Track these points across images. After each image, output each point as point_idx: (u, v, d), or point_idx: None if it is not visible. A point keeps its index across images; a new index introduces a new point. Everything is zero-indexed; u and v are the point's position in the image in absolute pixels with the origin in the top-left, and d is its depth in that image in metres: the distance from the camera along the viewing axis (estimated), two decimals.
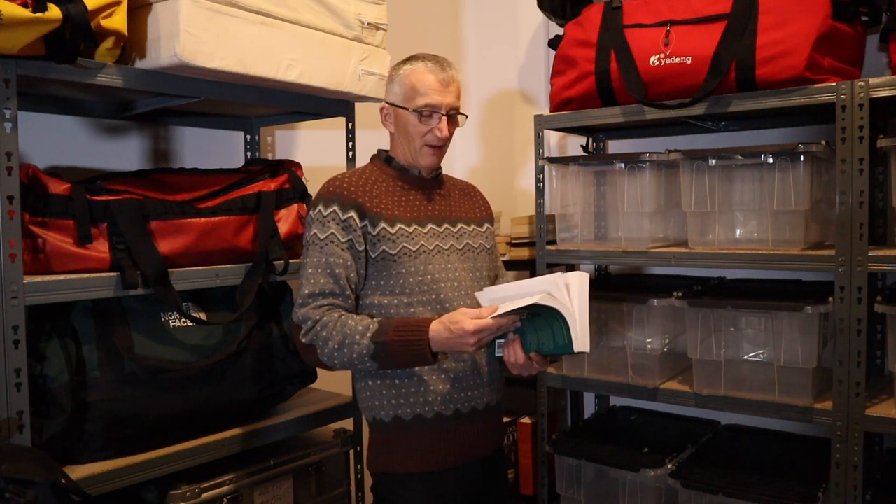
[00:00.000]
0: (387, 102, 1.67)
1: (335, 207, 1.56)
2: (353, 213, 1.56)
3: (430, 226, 1.64)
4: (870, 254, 1.75)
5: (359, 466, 2.07)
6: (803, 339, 1.89)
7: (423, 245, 1.61)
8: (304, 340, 1.51)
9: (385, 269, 1.58)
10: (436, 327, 1.46)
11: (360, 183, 1.61)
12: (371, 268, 1.58)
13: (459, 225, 1.70)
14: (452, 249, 1.66)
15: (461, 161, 3.17)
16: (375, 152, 1.76)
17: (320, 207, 1.58)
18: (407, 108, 1.61)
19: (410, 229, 1.60)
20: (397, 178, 1.67)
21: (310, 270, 1.54)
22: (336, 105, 1.95)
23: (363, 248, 1.56)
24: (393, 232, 1.58)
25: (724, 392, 2.00)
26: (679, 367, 2.24)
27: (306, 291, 1.52)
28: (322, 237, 1.54)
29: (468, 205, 1.78)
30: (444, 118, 1.62)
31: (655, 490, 2.11)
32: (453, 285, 1.62)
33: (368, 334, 1.46)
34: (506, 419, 2.56)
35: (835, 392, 1.82)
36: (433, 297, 1.58)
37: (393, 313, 1.56)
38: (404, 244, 1.58)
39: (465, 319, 1.42)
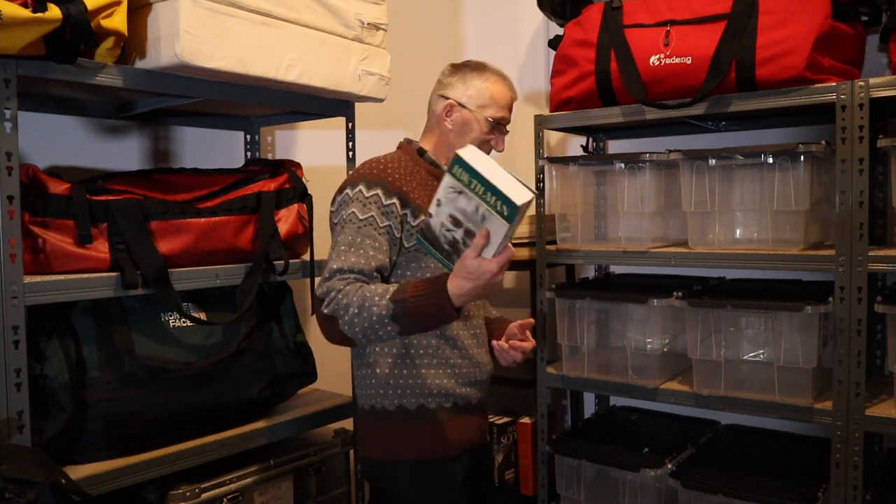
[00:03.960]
0: (458, 101, 1.69)
1: (378, 191, 1.56)
2: (395, 200, 1.57)
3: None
4: (870, 254, 1.75)
5: (359, 466, 2.06)
6: (803, 339, 1.88)
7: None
8: (325, 311, 1.46)
9: (415, 260, 1.60)
10: (454, 282, 1.38)
11: (402, 171, 1.62)
12: (402, 257, 1.59)
13: None
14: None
15: None
16: (404, 141, 1.76)
17: (361, 187, 1.56)
18: (480, 116, 1.68)
19: (418, 223, 1.60)
20: (428, 173, 1.68)
21: (342, 248, 1.51)
22: (336, 105, 1.95)
23: (399, 235, 1.57)
24: (416, 225, 1.59)
25: (724, 392, 2.00)
26: (679, 367, 2.24)
27: (334, 266, 1.49)
28: (361, 217, 1.53)
29: None
30: (505, 134, 1.73)
31: (655, 490, 2.11)
32: None
33: (388, 295, 1.42)
34: (506, 419, 2.57)
35: (835, 392, 1.82)
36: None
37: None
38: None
39: (485, 262, 1.35)
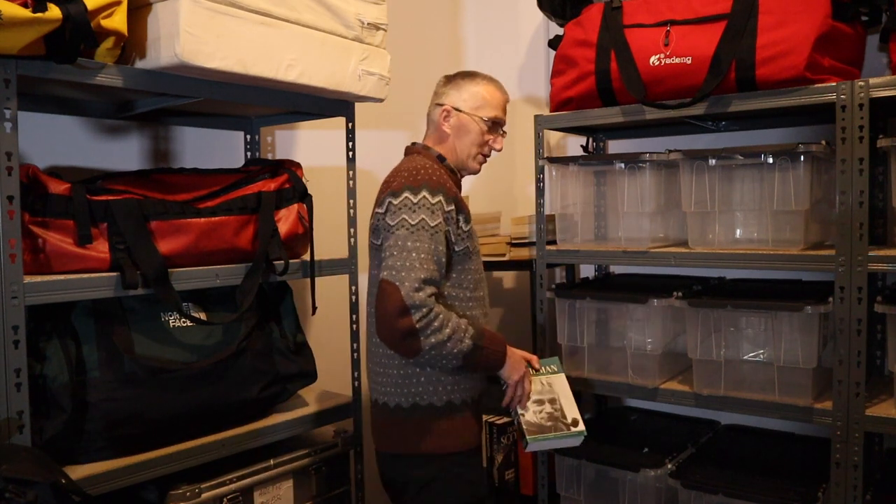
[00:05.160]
0: (452, 107, 1.78)
1: (441, 198, 1.63)
2: (452, 207, 1.66)
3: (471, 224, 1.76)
4: (870, 254, 1.76)
5: (359, 466, 2.06)
6: (803, 339, 1.89)
7: (476, 245, 1.77)
8: (417, 325, 1.53)
9: (460, 263, 1.70)
10: (510, 349, 1.72)
11: (447, 177, 1.71)
12: (452, 259, 1.69)
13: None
14: (478, 250, 1.81)
15: None
16: (420, 146, 1.82)
17: (426, 194, 1.61)
18: (476, 117, 1.76)
19: (471, 229, 1.74)
20: (453, 180, 1.76)
21: (423, 255, 1.57)
22: (336, 105, 1.95)
23: (453, 240, 1.67)
24: (466, 230, 1.70)
25: (724, 392, 2.00)
26: (679, 367, 2.24)
27: (422, 276, 1.55)
28: (432, 224, 1.60)
29: None
30: (503, 135, 1.83)
31: (655, 490, 2.11)
32: (484, 283, 1.81)
33: (468, 336, 1.60)
34: (506, 419, 2.57)
35: (835, 392, 1.82)
36: (480, 294, 1.77)
37: (457, 306, 1.69)
38: (473, 243, 1.74)
39: (522, 369, 1.74)
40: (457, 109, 1.77)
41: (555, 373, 1.81)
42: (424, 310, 1.53)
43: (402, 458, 1.70)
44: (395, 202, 1.63)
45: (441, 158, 1.78)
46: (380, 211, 1.67)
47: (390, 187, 1.67)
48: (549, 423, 1.73)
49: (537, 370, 1.80)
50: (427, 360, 1.61)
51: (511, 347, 1.72)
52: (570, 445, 1.78)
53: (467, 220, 1.70)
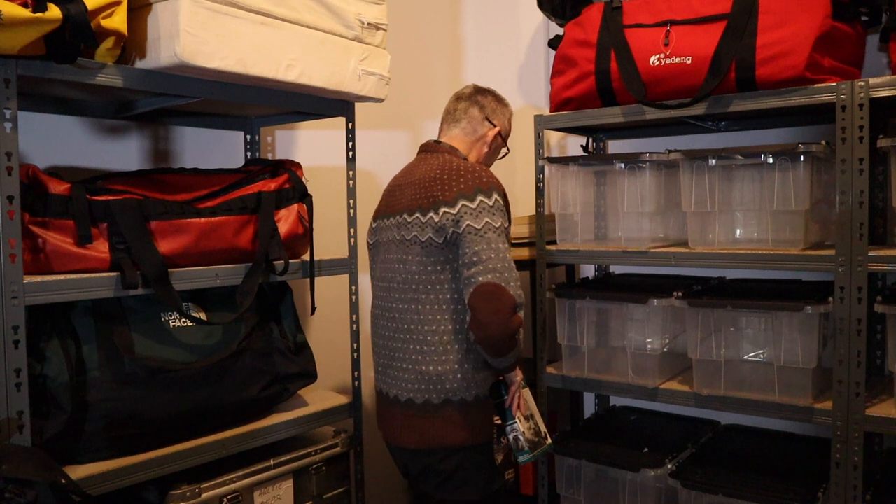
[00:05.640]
0: (500, 131, 1.96)
1: (504, 200, 1.76)
2: (507, 208, 1.78)
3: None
4: (870, 254, 1.76)
5: (359, 466, 2.06)
6: (803, 339, 1.89)
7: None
8: (521, 322, 1.67)
9: None
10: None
11: None
12: None
13: None
14: None
15: None
16: (446, 146, 1.90)
17: (497, 197, 1.72)
18: (504, 140, 1.99)
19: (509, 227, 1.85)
20: None
21: (510, 256, 1.69)
22: (336, 105, 1.95)
23: None
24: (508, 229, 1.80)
25: (724, 392, 2.00)
26: (679, 367, 2.24)
27: (516, 276, 1.67)
28: (506, 226, 1.73)
29: None
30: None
31: (655, 490, 2.11)
32: None
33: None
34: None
35: (835, 392, 1.82)
36: None
37: None
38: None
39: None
40: (499, 134, 1.95)
41: (524, 386, 1.86)
42: (522, 308, 1.67)
43: (426, 451, 1.76)
44: (472, 206, 1.68)
45: (465, 160, 1.88)
46: (450, 211, 1.69)
47: (458, 188, 1.70)
48: (536, 439, 1.84)
49: None
50: (505, 358, 1.71)
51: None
52: (542, 456, 1.96)
53: (510, 220, 1.80)
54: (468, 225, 1.66)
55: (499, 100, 1.98)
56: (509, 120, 2.00)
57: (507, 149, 2.03)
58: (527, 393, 1.87)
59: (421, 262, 1.73)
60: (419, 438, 1.75)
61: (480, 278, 1.63)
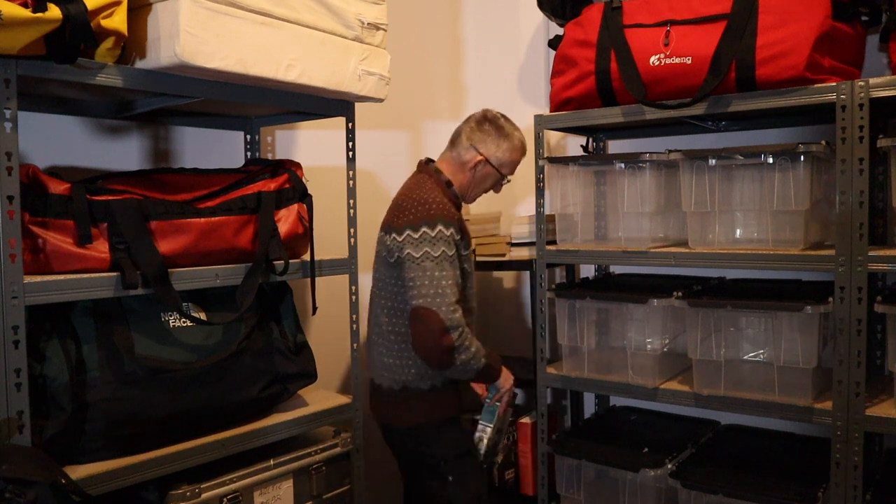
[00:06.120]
0: (486, 158, 2.03)
1: (452, 230, 1.91)
2: (459, 236, 1.94)
3: (470, 250, 2.04)
4: (870, 254, 1.76)
5: (358, 466, 2.06)
6: (803, 339, 1.89)
7: (472, 266, 2.03)
8: (455, 343, 1.84)
9: (462, 278, 1.95)
10: (504, 372, 2.05)
11: (452, 205, 1.98)
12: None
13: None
14: (473, 270, 2.07)
15: None
16: (432, 168, 2.05)
17: (441, 228, 1.88)
18: (498, 172, 2.06)
19: (470, 252, 2.01)
20: (454, 203, 2.02)
21: (450, 282, 1.87)
22: (336, 105, 1.95)
23: (459, 261, 1.95)
24: (465, 254, 1.98)
25: (724, 392, 2.00)
26: (679, 367, 2.24)
27: (453, 300, 1.85)
28: (450, 254, 1.89)
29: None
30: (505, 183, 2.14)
31: (655, 490, 2.11)
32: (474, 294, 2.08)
33: (482, 356, 1.92)
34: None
35: (835, 392, 1.82)
36: (472, 304, 2.04)
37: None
38: (470, 264, 2.02)
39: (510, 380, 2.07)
40: (488, 162, 2.03)
41: (513, 403, 2.12)
42: (461, 329, 1.84)
43: (395, 428, 2.02)
44: (415, 236, 1.89)
45: (448, 184, 2.03)
46: (398, 238, 1.91)
47: (407, 219, 1.91)
48: (493, 452, 2.07)
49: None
50: (452, 371, 1.91)
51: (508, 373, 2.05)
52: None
53: (468, 246, 1.98)
54: (408, 253, 1.88)
55: (499, 129, 2.04)
56: (508, 151, 2.04)
57: (506, 179, 2.09)
58: (509, 411, 2.10)
59: (386, 273, 1.97)
60: (389, 415, 2.01)
61: (413, 302, 1.86)
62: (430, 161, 2.09)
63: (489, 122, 2.05)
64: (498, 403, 2.04)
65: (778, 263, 1.90)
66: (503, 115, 2.10)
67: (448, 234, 1.88)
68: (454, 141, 2.08)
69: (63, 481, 1.22)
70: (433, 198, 1.93)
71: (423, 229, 1.88)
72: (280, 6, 1.64)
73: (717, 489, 1.94)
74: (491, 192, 2.15)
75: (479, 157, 2.03)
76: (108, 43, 1.42)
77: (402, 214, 1.93)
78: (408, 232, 1.89)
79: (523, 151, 2.11)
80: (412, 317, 1.87)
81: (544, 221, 2.31)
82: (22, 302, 1.34)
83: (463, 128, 2.08)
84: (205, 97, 1.64)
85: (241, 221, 1.72)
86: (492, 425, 2.03)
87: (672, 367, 2.22)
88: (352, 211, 2.03)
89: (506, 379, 2.04)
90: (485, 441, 2.02)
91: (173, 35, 1.44)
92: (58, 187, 1.46)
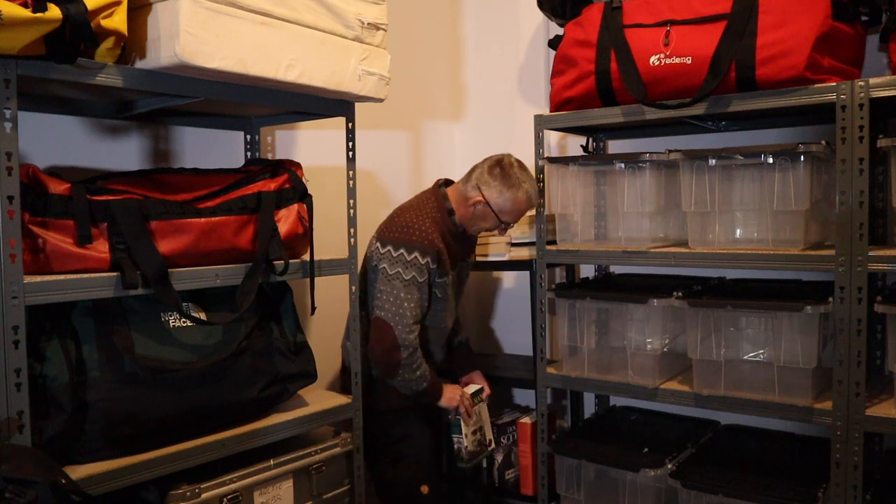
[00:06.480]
0: (486, 201, 2.12)
1: (428, 259, 2.06)
2: (436, 265, 2.09)
3: (451, 275, 2.18)
4: (870, 254, 1.76)
5: (358, 465, 2.06)
6: (803, 339, 1.89)
7: (446, 293, 2.17)
8: (403, 360, 2.03)
9: (434, 302, 2.15)
10: (445, 386, 2.20)
11: (439, 235, 2.11)
12: (431, 300, 2.15)
13: (458, 267, 2.26)
14: (454, 290, 2.25)
15: (462, 162, 3.17)
16: (441, 193, 2.18)
17: (417, 255, 2.05)
18: (497, 217, 2.14)
19: (446, 280, 2.15)
20: (451, 231, 2.16)
21: (413, 304, 2.05)
22: (336, 105, 1.95)
23: (429, 286, 2.11)
24: (441, 282, 2.13)
25: (724, 392, 2.00)
26: (679, 367, 2.24)
27: (411, 322, 2.04)
28: (420, 280, 2.06)
29: (465, 248, 2.30)
30: (507, 228, 2.23)
31: (655, 490, 2.11)
32: (451, 312, 2.27)
33: (425, 381, 2.10)
34: (506, 419, 2.60)
35: (835, 392, 1.82)
36: (443, 325, 2.24)
37: (430, 337, 2.23)
38: (446, 291, 2.16)
39: (457, 396, 2.22)
40: (488, 204, 2.11)
41: (482, 401, 2.32)
42: (411, 349, 2.04)
43: (383, 411, 2.21)
44: (393, 254, 2.06)
45: (451, 212, 2.16)
46: (380, 250, 2.08)
47: (391, 236, 2.08)
48: (478, 449, 2.29)
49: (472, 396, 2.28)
50: (392, 382, 2.09)
51: (446, 385, 2.20)
52: (482, 460, 2.41)
53: (444, 275, 2.12)
54: (383, 267, 2.06)
55: (506, 177, 2.11)
56: (511, 201, 2.11)
57: (503, 225, 2.17)
58: (482, 408, 2.32)
59: (369, 270, 2.15)
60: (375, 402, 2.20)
61: (376, 312, 2.05)
62: (446, 183, 2.23)
63: (500, 169, 2.12)
64: (458, 416, 2.22)
65: (778, 263, 1.90)
66: (520, 164, 2.16)
67: (423, 262, 2.05)
68: (468, 175, 2.18)
69: (63, 481, 1.22)
70: (420, 225, 2.08)
71: (401, 251, 2.05)
72: (280, 6, 1.64)
73: (717, 489, 1.94)
74: None
75: (480, 199, 2.12)
76: (108, 43, 1.42)
77: (391, 228, 2.10)
78: (389, 248, 2.07)
79: (529, 204, 2.16)
80: (372, 324, 2.07)
81: (544, 221, 2.30)
82: (22, 302, 1.34)
83: (479, 165, 2.17)
84: (205, 97, 1.64)
85: (241, 221, 1.72)
86: (461, 434, 2.22)
87: (672, 367, 2.22)
88: (352, 211, 2.03)
89: (449, 399, 2.19)
90: (463, 450, 2.23)
91: (173, 35, 1.44)
92: (58, 187, 1.46)
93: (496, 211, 2.13)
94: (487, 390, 2.37)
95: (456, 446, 2.23)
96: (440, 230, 2.12)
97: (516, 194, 2.11)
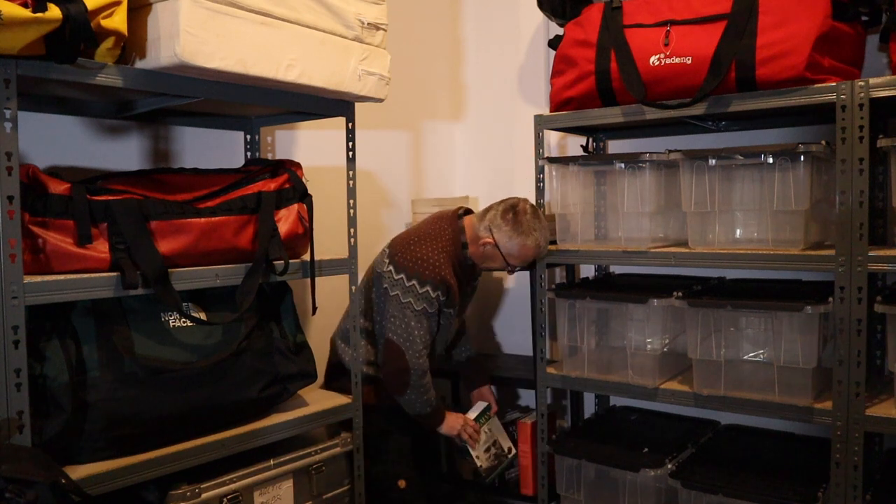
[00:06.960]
0: (496, 243, 2.17)
1: (439, 293, 2.12)
2: (445, 298, 2.15)
3: (457, 306, 2.25)
4: (870, 254, 1.75)
5: (358, 465, 2.06)
6: (803, 339, 1.89)
7: (449, 321, 2.25)
8: (411, 382, 2.10)
9: (438, 330, 2.21)
10: (448, 414, 2.26)
11: (452, 269, 2.18)
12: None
13: (462, 293, 2.30)
14: (457, 312, 2.31)
15: (462, 162, 3.17)
16: (459, 226, 2.23)
17: (429, 289, 2.11)
18: (504, 259, 2.19)
19: (452, 311, 2.22)
20: (462, 265, 2.23)
21: (423, 332, 2.12)
22: (336, 105, 1.95)
23: (438, 316, 2.18)
24: (447, 312, 2.20)
25: (724, 392, 2.00)
26: (679, 367, 2.24)
27: (421, 347, 2.12)
28: (430, 311, 2.13)
29: (472, 275, 2.36)
30: (514, 270, 2.29)
31: (655, 490, 2.11)
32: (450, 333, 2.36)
33: (429, 406, 2.17)
34: (507, 419, 2.59)
35: (835, 392, 1.82)
36: (436, 350, 2.30)
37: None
38: (448, 320, 2.23)
39: (458, 424, 2.28)
40: (496, 246, 2.17)
41: (489, 418, 2.38)
42: (420, 372, 2.11)
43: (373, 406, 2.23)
44: (406, 283, 2.12)
45: (465, 245, 2.22)
46: (394, 275, 2.13)
47: (406, 264, 2.13)
48: (496, 462, 2.36)
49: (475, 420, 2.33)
50: (398, 400, 2.15)
51: (449, 413, 2.26)
52: (505, 470, 2.46)
53: (451, 305, 2.19)
54: (396, 294, 2.11)
55: (517, 224, 2.15)
56: (519, 247, 2.15)
57: (510, 267, 2.22)
58: (492, 423, 2.38)
59: (375, 280, 2.22)
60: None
61: (388, 334, 2.11)
62: (467, 212, 2.29)
63: (513, 214, 2.16)
64: (465, 441, 2.27)
65: (778, 263, 1.90)
66: (534, 211, 2.18)
67: (434, 295, 2.11)
68: (483, 213, 2.23)
69: (63, 481, 1.22)
70: (436, 259, 2.13)
71: (413, 282, 2.10)
72: (280, 6, 1.64)
73: (717, 489, 1.94)
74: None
75: (490, 240, 2.17)
76: (108, 43, 1.42)
77: (406, 257, 2.14)
78: (402, 276, 2.12)
79: (537, 252, 2.20)
80: (385, 343, 2.13)
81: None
82: (22, 302, 1.34)
83: (494, 206, 2.21)
84: (205, 97, 1.64)
85: (241, 221, 1.72)
86: (474, 454, 2.29)
87: (672, 367, 2.22)
88: (352, 211, 2.03)
89: (450, 428, 2.24)
90: (480, 469, 2.31)
91: (173, 35, 1.44)
92: (58, 187, 1.46)
93: (504, 254, 2.18)
94: (495, 407, 2.43)
95: (476, 465, 2.30)
96: (452, 264, 2.18)
97: (525, 241, 2.15)
